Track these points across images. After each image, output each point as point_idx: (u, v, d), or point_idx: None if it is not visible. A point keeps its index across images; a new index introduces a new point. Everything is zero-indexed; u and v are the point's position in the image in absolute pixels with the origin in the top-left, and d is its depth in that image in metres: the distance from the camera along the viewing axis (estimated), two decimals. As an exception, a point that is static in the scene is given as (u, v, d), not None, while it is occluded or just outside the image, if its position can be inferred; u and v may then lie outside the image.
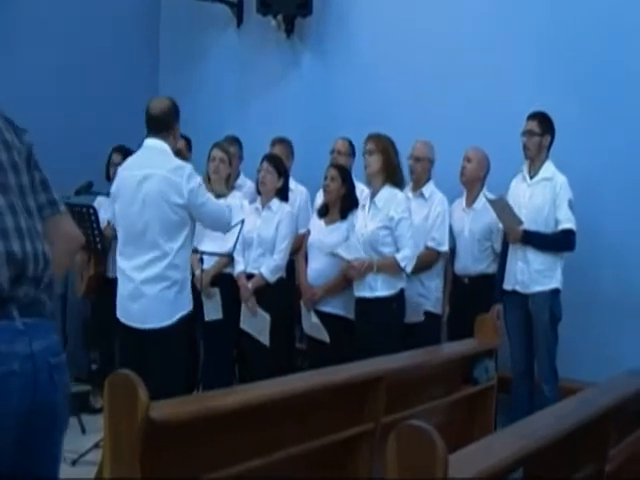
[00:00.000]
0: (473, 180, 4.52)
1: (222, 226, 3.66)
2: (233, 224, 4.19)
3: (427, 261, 4.41)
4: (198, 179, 3.45)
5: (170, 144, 3.44)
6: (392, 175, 4.14)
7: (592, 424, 2.45)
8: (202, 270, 4.25)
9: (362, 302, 4.13)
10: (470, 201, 4.55)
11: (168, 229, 3.35)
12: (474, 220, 4.49)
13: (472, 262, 4.48)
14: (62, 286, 4.38)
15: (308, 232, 4.59)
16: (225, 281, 4.59)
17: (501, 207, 4.15)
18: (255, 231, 4.51)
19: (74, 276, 5.00)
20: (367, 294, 4.09)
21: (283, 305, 4.54)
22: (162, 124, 3.40)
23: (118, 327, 3.49)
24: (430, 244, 4.45)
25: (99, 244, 4.47)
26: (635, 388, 2.85)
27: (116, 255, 3.54)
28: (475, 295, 4.39)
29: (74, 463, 3.84)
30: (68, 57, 5.54)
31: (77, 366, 5.09)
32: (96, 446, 3.74)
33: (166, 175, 3.33)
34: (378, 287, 4.08)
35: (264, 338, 4.34)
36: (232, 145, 5.00)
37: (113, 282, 4.42)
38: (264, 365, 4.26)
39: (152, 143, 3.43)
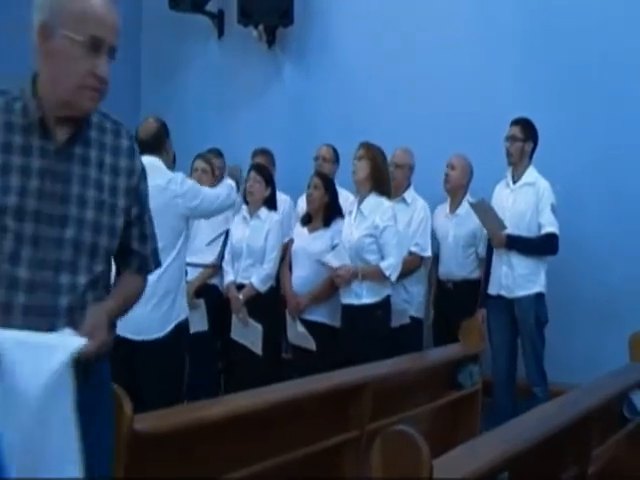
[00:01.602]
0: (457, 187, 4.56)
1: (228, 207, 3.93)
2: (216, 235, 4.22)
3: (410, 267, 4.44)
4: (189, 182, 3.59)
5: (163, 159, 3.53)
6: (379, 183, 4.16)
7: (575, 426, 2.46)
8: (186, 282, 4.24)
9: (348, 309, 4.13)
10: (454, 207, 4.59)
11: (163, 241, 3.36)
12: (458, 226, 4.53)
13: (456, 267, 4.51)
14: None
15: (291, 241, 4.60)
16: (210, 292, 4.58)
17: (483, 210, 4.18)
18: (244, 241, 4.50)
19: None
20: (354, 301, 4.10)
21: (274, 314, 4.54)
22: (152, 146, 3.49)
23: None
24: (414, 249, 4.49)
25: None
26: (617, 389, 2.87)
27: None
28: (459, 300, 4.42)
29: (60, 478, 3.81)
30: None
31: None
32: (82, 460, 3.70)
33: (162, 188, 3.37)
34: (364, 294, 4.09)
35: (257, 348, 4.33)
36: (216, 158, 5.01)
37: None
38: (254, 375, 4.25)
39: (145, 159, 3.47)
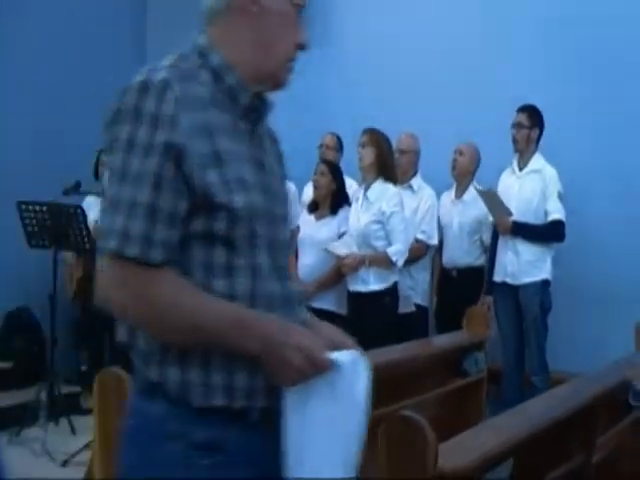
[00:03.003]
0: (464, 174, 4.55)
1: None
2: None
3: (416, 254, 4.43)
4: None
5: None
6: (385, 169, 4.15)
7: (580, 414, 2.46)
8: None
9: (356, 296, 4.13)
10: (459, 193, 4.57)
11: None
12: (463, 212, 4.51)
13: (461, 254, 4.50)
14: (51, 287, 4.37)
15: (297, 228, 4.59)
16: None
17: (490, 198, 4.17)
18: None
19: (63, 277, 4.98)
20: (361, 288, 4.10)
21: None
22: None
23: (113, 324, 3.48)
24: (420, 237, 4.48)
25: (87, 245, 4.45)
26: (622, 378, 2.86)
27: None
28: (463, 287, 4.41)
29: (64, 464, 3.83)
30: (55, 57, 5.51)
31: (67, 367, 5.08)
32: (86, 447, 3.73)
33: None
34: (371, 281, 4.09)
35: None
36: None
37: (103, 282, 4.43)
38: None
39: None
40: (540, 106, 4.23)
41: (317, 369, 1.24)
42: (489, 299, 4.32)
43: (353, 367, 1.29)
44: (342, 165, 4.70)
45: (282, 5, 1.36)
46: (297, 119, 5.65)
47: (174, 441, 1.23)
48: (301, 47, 1.41)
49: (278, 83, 1.40)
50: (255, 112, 1.37)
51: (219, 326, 1.23)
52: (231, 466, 1.26)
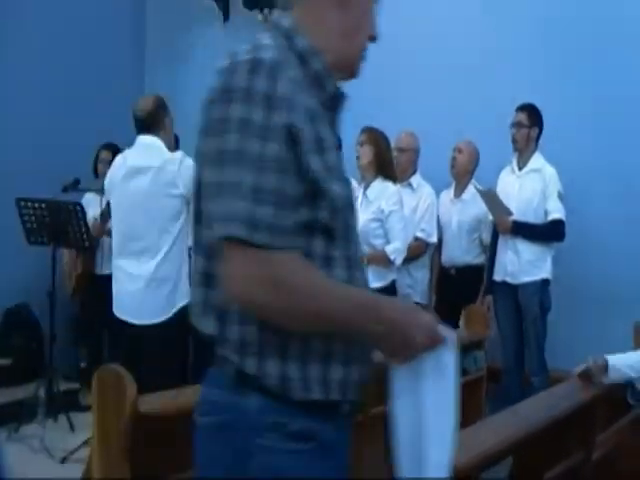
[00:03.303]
0: (463, 172, 4.55)
1: None
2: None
3: (416, 252, 4.43)
4: (190, 162, 3.37)
5: (162, 138, 3.44)
6: (384, 168, 4.15)
7: (579, 412, 2.46)
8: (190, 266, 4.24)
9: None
10: (458, 192, 4.57)
11: (162, 223, 3.35)
12: (462, 211, 4.51)
13: (460, 253, 4.50)
14: (50, 284, 4.37)
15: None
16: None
17: (490, 198, 4.16)
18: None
19: (62, 274, 4.98)
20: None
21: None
22: (149, 124, 3.42)
23: (112, 321, 3.49)
24: (419, 235, 4.48)
25: (87, 242, 4.45)
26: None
27: (112, 250, 3.55)
28: (462, 286, 4.41)
29: (63, 461, 3.83)
30: (54, 55, 5.51)
31: (66, 364, 5.08)
32: (85, 444, 3.73)
33: (159, 167, 3.33)
34: (369, 279, 4.07)
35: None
36: None
37: (102, 280, 4.44)
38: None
39: (143, 139, 3.44)
40: (540, 106, 4.23)
41: (435, 344, 1.28)
42: (489, 299, 4.32)
43: (451, 343, 1.33)
44: (342, 164, 4.69)
45: None
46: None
47: (271, 431, 1.23)
48: (372, 39, 1.39)
49: (353, 72, 1.41)
50: (338, 99, 1.37)
51: (345, 309, 1.22)
52: (326, 453, 1.28)
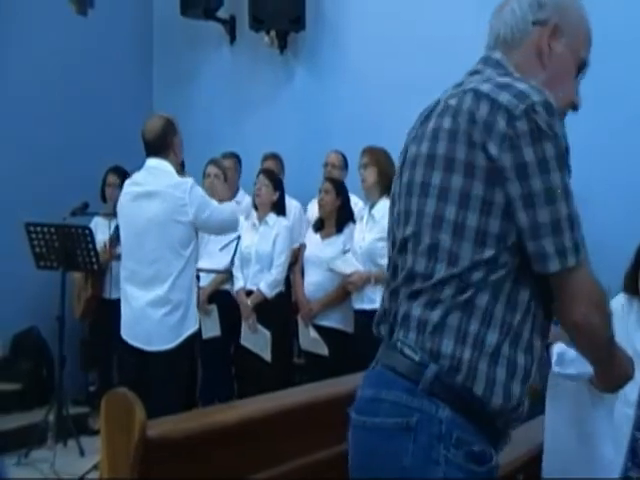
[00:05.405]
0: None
1: (230, 229, 3.73)
2: (229, 241, 4.18)
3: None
4: (200, 191, 3.45)
5: (171, 161, 3.44)
6: (389, 186, 4.14)
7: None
8: (199, 287, 4.24)
9: (361, 314, 4.12)
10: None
11: (172, 248, 3.34)
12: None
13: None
14: (59, 308, 4.38)
15: (303, 246, 4.58)
16: (222, 298, 4.58)
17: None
18: (253, 247, 4.50)
19: (71, 298, 4.99)
20: (366, 306, 4.08)
21: (283, 319, 4.53)
22: (158, 146, 3.42)
23: (120, 346, 3.48)
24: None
25: (95, 265, 4.46)
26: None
27: (120, 274, 3.55)
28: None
29: (74, 485, 3.82)
30: (62, 77, 5.56)
31: (75, 388, 5.08)
32: (95, 467, 3.72)
33: (169, 193, 3.33)
34: (377, 299, 4.07)
35: (266, 355, 4.32)
36: (228, 159, 5.01)
37: (111, 303, 4.44)
38: (264, 381, 4.24)
39: (152, 163, 3.45)
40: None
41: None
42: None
43: None
44: (347, 183, 4.70)
45: (566, 56, 1.51)
46: (304, 136, 5.67)
47: (457, 448, 1.30)
48: (574, 107, 1.57)
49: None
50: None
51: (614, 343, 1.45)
52: (493, 474, 1.36)
